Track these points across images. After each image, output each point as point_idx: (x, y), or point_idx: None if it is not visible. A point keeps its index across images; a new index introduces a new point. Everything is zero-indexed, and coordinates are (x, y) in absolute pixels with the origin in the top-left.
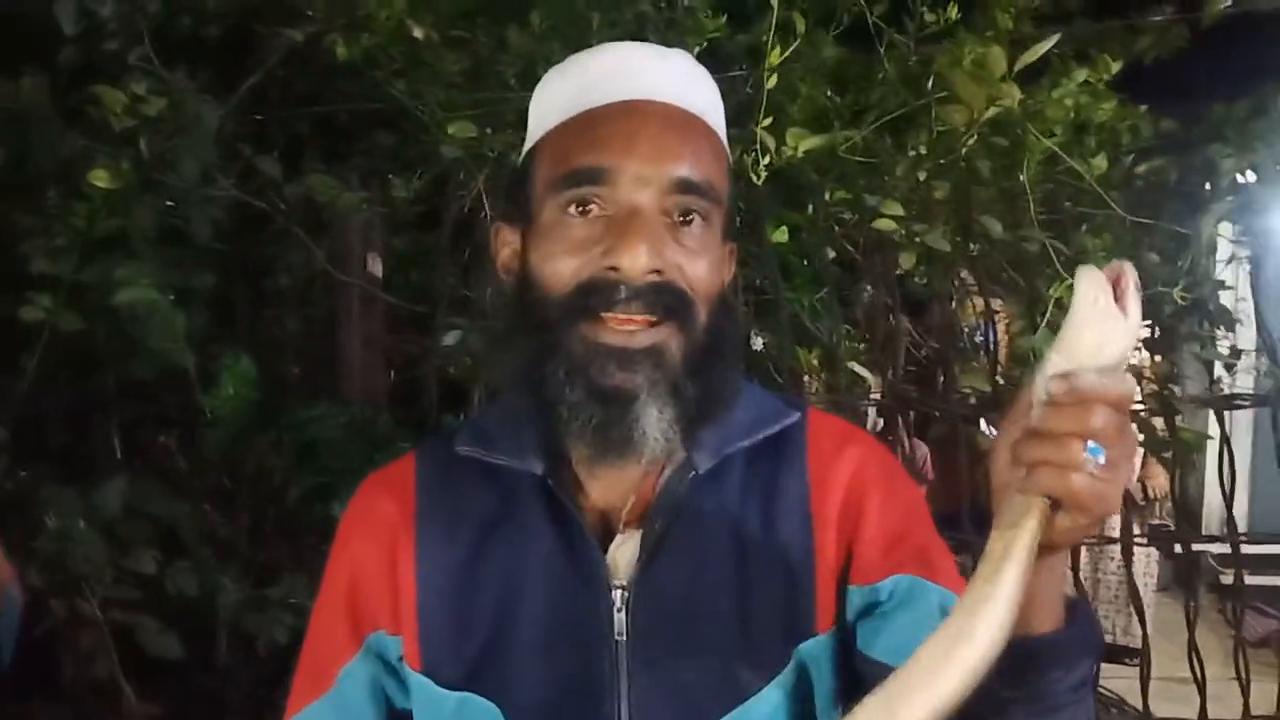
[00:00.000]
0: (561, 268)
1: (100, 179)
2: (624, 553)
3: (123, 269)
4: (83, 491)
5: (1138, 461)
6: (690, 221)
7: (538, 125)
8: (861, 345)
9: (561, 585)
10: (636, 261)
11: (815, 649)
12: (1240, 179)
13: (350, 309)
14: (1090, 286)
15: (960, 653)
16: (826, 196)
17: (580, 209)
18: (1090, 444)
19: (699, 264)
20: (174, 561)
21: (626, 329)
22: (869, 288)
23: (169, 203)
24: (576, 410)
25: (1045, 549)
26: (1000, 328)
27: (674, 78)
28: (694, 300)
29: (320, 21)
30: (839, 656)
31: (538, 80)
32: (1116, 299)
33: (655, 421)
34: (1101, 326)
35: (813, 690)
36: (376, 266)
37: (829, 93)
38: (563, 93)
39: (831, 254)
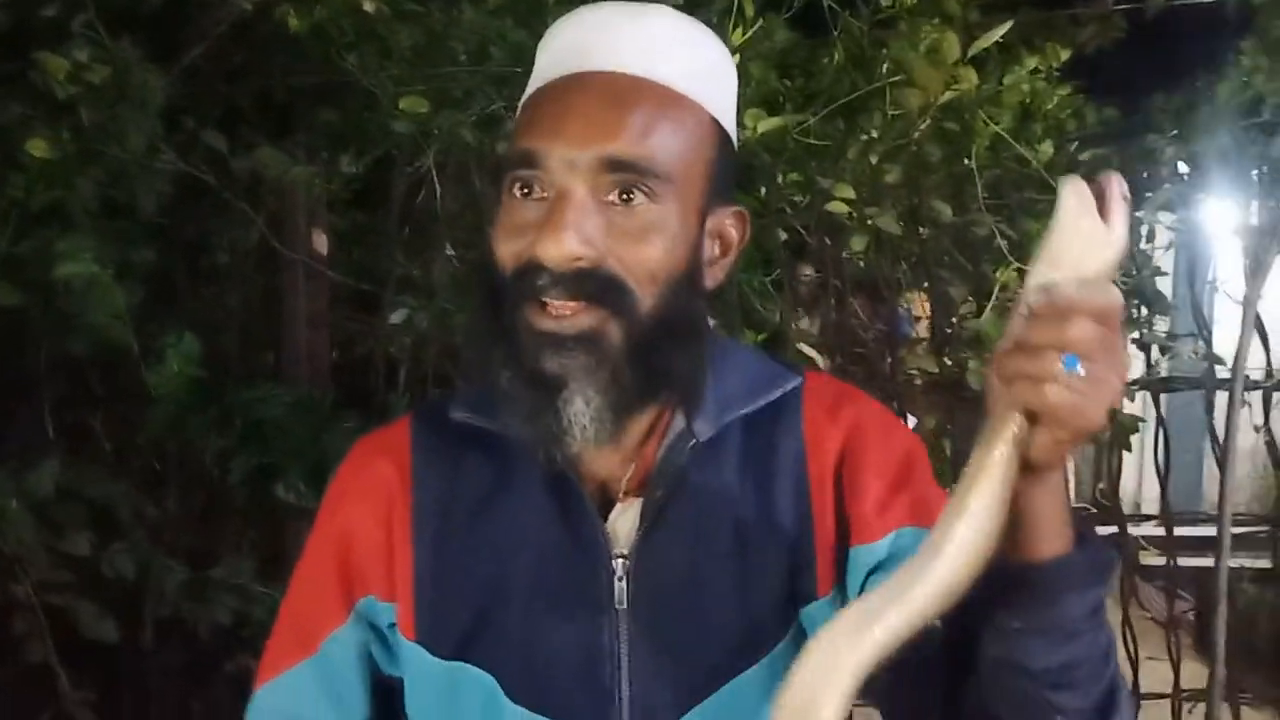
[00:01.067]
0: (504, 250)
1: (39, 149)
2: (624, 521)
3: (62, 242)
4: (14, 472)
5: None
6: (630, 200)
7: (525, 94)
8: (806, 326)
9: (561, 554)
10: (557, 250)
11: (816, 613)
12: (1179, 168)
13: (295, 286)
14: (1073, 196)
15: (933, 566)
16: (778, 179)
17: (524, 190)
18: (1067, 355)
19: (642, 247)
20: (110, 544)
21: (562, 314)
22: (817, 270)
23: (110, 175)
24: (508, 396)
25: (1031, 467)
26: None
27: (640, 42)
28: (627, 285)
29: None
30: None
31: (488, 57)
32: (1101, 210)
33: (582, 409)
34: (1084, 237)
35: None
36: (321, 243)
37: (780, 76)
38: (542, 62)
39: (783, 236)
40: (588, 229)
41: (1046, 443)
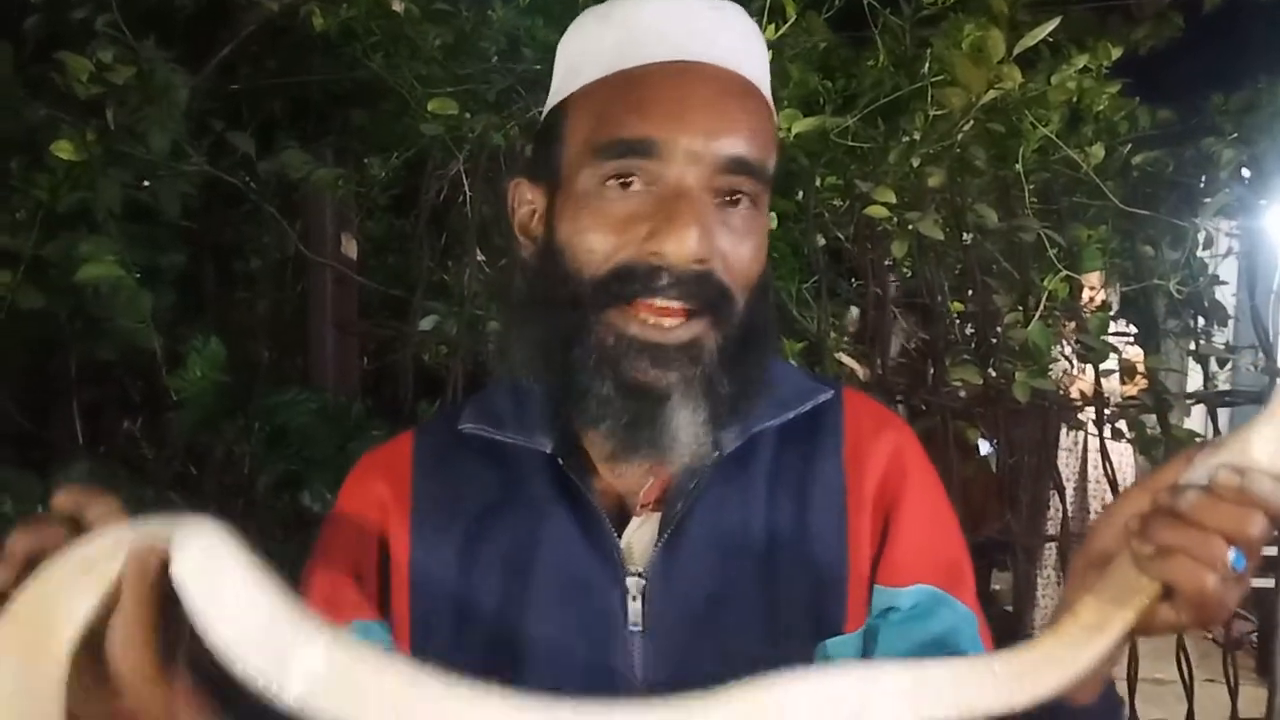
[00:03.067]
0: (597, 245)
1: (64, 150)
2: (640, 537)
3: (86, 244)
4: (43, 476)
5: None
6: (738, 203)
7: (571, 75)
8: (847, 337)
9: (572, 571)
10: (684, 248)
11: (841, 649)
12: (1239, 172)
13: (323, 292)
14: None
15: (1010, 699)
16: (817, 183)
17: (622, 181)
18: (1234, 549)
19: (744, 250)
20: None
21: (661, 321)
22: (857, 277)
23: (136, 177)
24: (605, 405)
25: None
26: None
27: (729, 36)
28: (734, 293)
29: None
30: (862, 659)
31: (520, 57)
32: None
33: (688, 423)
34: None
35: None
36: (350, 248)
37: (820, 77)
38: (603, 41)
39: (821, 241)
40: (707, 228)
41: (1168, 621)
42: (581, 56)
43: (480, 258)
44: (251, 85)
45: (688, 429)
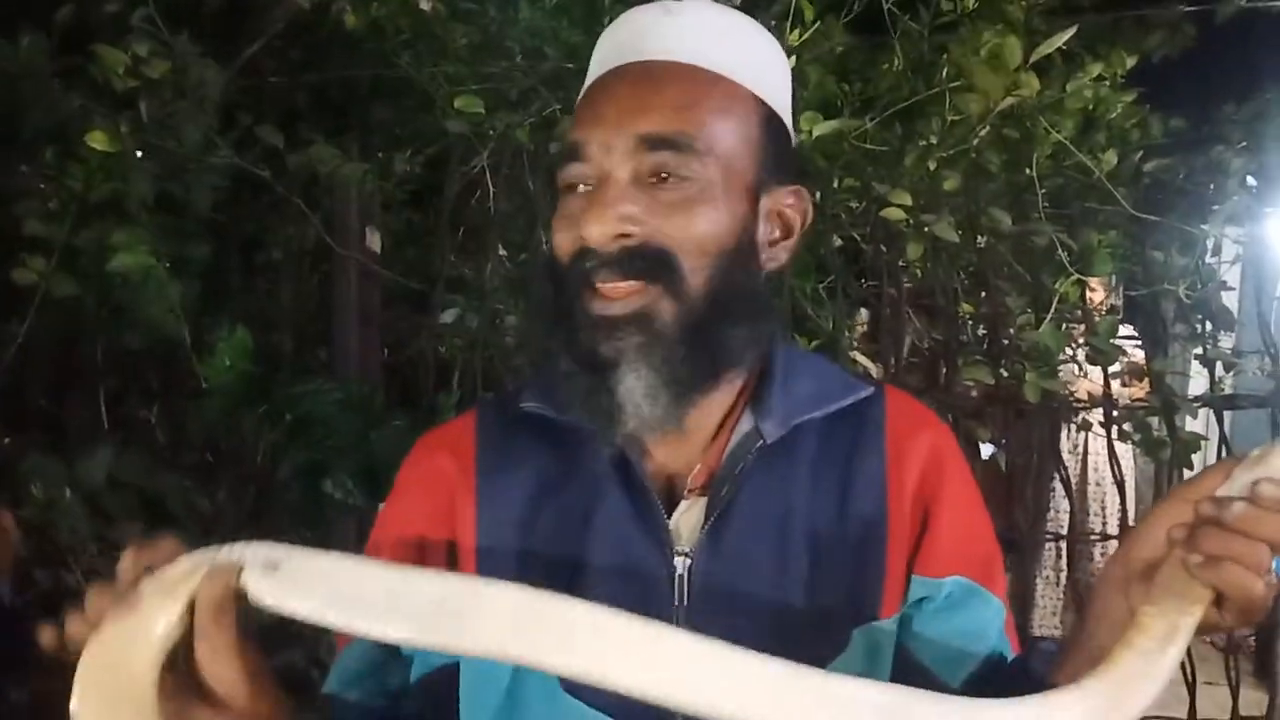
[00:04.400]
0: (560, 241)
1: (98, 141)
2: (688, 519)
3: (118, 234)
4: (68, 462)
5: None
6: (668, 178)
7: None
8: (858, 335)
9: (624, 548)
10: (600, 230)
11: (877, 635)
12: (1247, 180)
13: (347, 284)
14: None
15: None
16: (835, 184)
17: (570, 185)
18: (1276, 556)
19: (687, 219)
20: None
21: (613, 296)
22: (872, 278)
23: (167, 169)
24: (570, 379)
25: None
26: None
27: (677, 31)
28: (676, 258)
29: None
30: (897, 646)
31: (544, 57)
32: None
33: (634, 386)
34: None
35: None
36: (374, 242)
37: (838, 80)
38: (590, 69)
39: (838, 242)
40: (628, 206)
41: (1214, 622)
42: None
43: (501, 252)
44: (279, 80)
45: (636, 394)
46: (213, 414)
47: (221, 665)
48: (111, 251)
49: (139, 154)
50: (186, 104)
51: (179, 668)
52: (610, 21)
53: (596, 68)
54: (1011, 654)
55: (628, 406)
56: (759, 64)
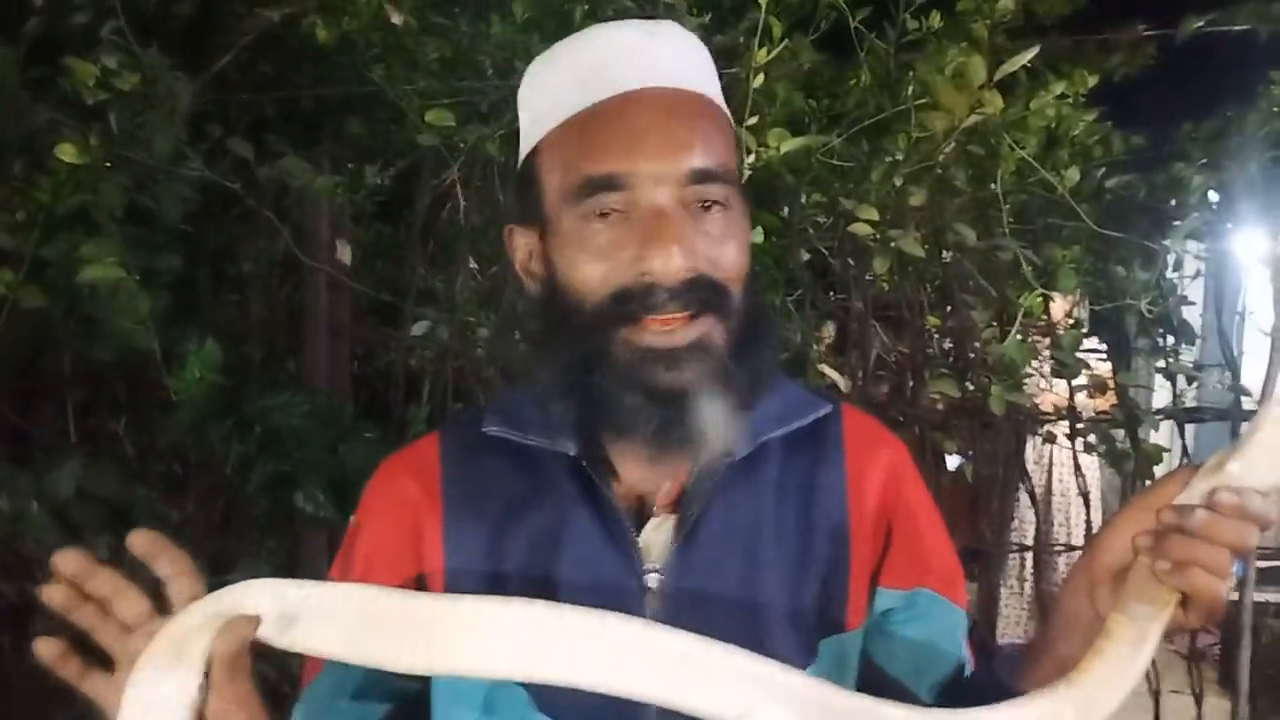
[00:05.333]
0: (591, 275)
1: (67, 153)
2: (658, 536)
3: (87, 246)
4: (35, 474)
5: None
6: (710, 208)
7: (534, 123)
8: (824, 348)
9: (594, 567)
10: (670, 265)
11: (844, 645)
12: (1207, 197)
13: (317, 296)
14: None
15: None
16: (802, 199)
17: (601, 214)
18: (1236, 560)
19: (728, 249)
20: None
21: (666, 329)
22: (839, 292)
23: (136, 181)
24: (636, 414)
25: None
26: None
27: (668, 56)
28: (728, 288)
29: (297, 2)
30: (863, 657)
31: (516, 71)
32: None
33: (712, 415)
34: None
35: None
36: (345, 254)
37: (805, 97)
38: (557, 87)
39: (805, 257)
40: (690, 240)
41: (1178, 623)
42: (541, 103)
43: (472, 265)
44: (248, 92)
45: (713, 421)
46: (182, 426)
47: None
48: (80, 263)
49: (108, 166)
50: (156, 116)
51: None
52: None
53: (579, 90)
54: (969, 662)
55: (707, 437)
56: (718, 83)
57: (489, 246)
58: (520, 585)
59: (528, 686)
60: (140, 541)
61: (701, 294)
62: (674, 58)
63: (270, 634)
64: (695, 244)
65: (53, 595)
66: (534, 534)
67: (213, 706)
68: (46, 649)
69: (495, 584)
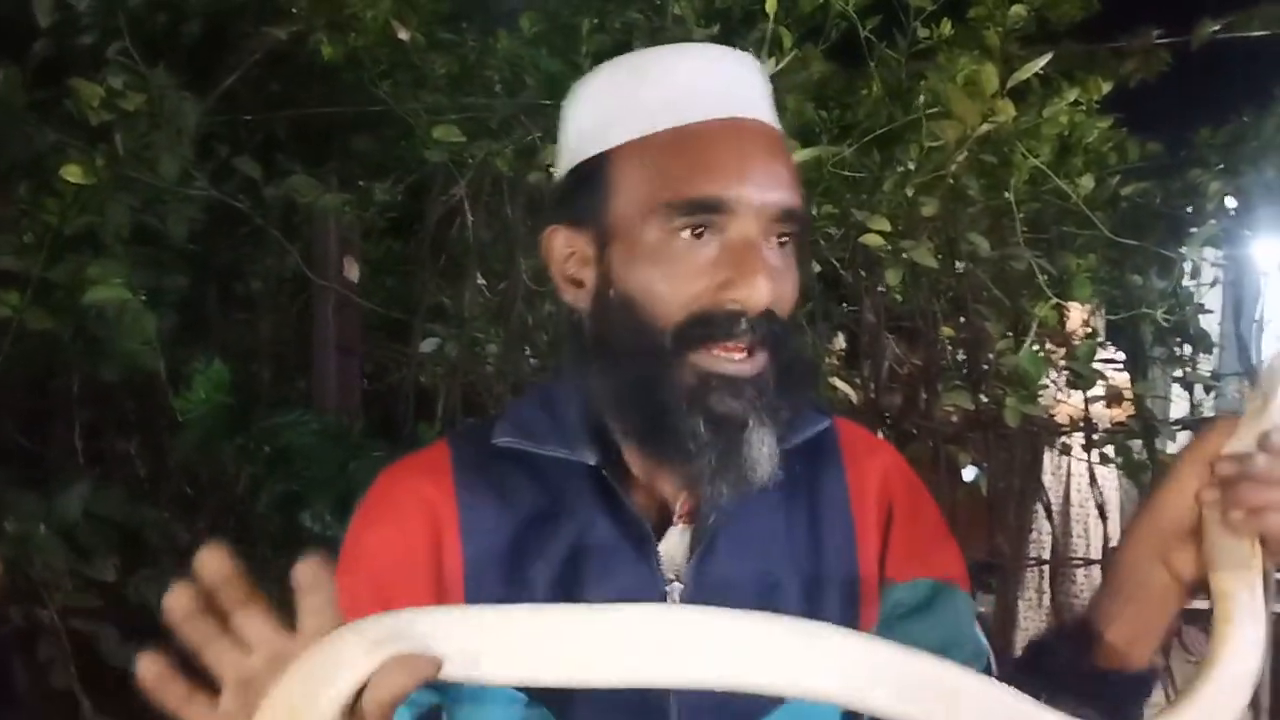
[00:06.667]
0: (674, 294)
1: (73, 174)
2: (678, 546)
3: (93, 267)
4: (43, 496)
5: None
6: (785, 245)
7: (607, 125)
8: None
9: (615, 577)
10: (758, 296)
11: None
12: (1224, 203)
13: (326, 314)
14: None
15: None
16: (814, 211)
17: (695, 233)
18: None
19: (789, 286)
20: (138, 570)
21: (736, 358)
22: (850, 304)
23: (143, 201)
24: (697, 439)
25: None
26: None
27: (755, 89)
28: (786, 324)
29: (303, 20)
30: None
31: (524, 86)
32: None
33: (764, 447)
34: None
35: None
36: (353, 272)
37: (816, 108)
38: (642, 96)
39: (817, 268)
40: (772, 275)
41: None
42: (617, 108)
43: (480, 281)
44: (256, 111)
45: (765, 453)
46: (189, 446)
47: None
48: (87, 284)
49: (116, 187)
50: (162, 136)
51: None
52: (589, 53)
53: (690, 106)
54: (987, 646)
55: (759, 466)
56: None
57: (498, 262)
58: (543, 595)
59: (552, 703)
60: (308, 571)
61: (771, 329)
62: (761, 93)
63: (456, 672)
64: (775, 279)
65: (177, 601)
66: (554, 543)
67: None
68: (150, 668)
69: (516, 593)
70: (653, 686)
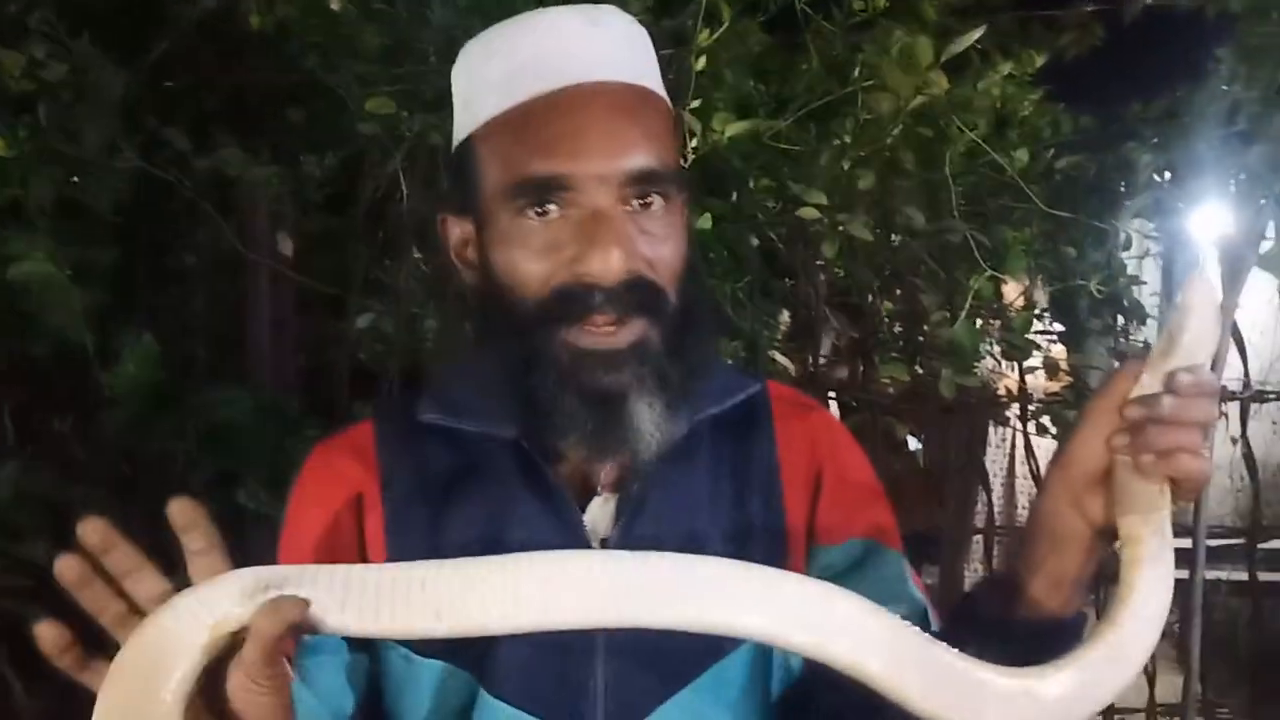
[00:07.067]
0: (529, 273)
1: None
2: (602, 515)
3: (17, 241)
4: None
5: None
6: (650, 205)
7: (469, 109)
8: (780, 336)
9: (540, 548)
10: (610, 268)
11: None
12: (1156, 177)
13: (259, 289)
14: (1211, 291)
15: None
16: (750, 184)
17: (539, 211)
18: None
19: (665, 248)
20: (69, 549)
21: (606, 330)
22: (790, 278)
23: (68, 174)
24: (571, 417)
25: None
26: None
27: (610, 46)
28: (664, 290)
29: None
30: None
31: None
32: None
33: (647, 417)
34: (1211, 326)
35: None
36: (287, 246)
37: (753, 81)
38: (493, 75)
39: (755, 242)
40: (631, 242)
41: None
42: (475, 88)
43: (417, 256)
44: (186, 82)
45: (648, 423)
46: (120, 423)
47: (258, 701)
48: (11, 259)
49: (39, 159)
50: (87, 107)
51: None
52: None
53: (517, 82)
54: (925, 601)
55: (644, 438)
56: (657, 69)
57: (435, 237)
58: None
59: (476, 670)
60: (183, 509)
61: (638, 297)
62: (615, 48)
63: (329, 617)
64: (635, 245)
65: (67, 568)
66: (478, 518)
67: (239, 685)
68: (49, 635)
69: None
70: (516, 633)
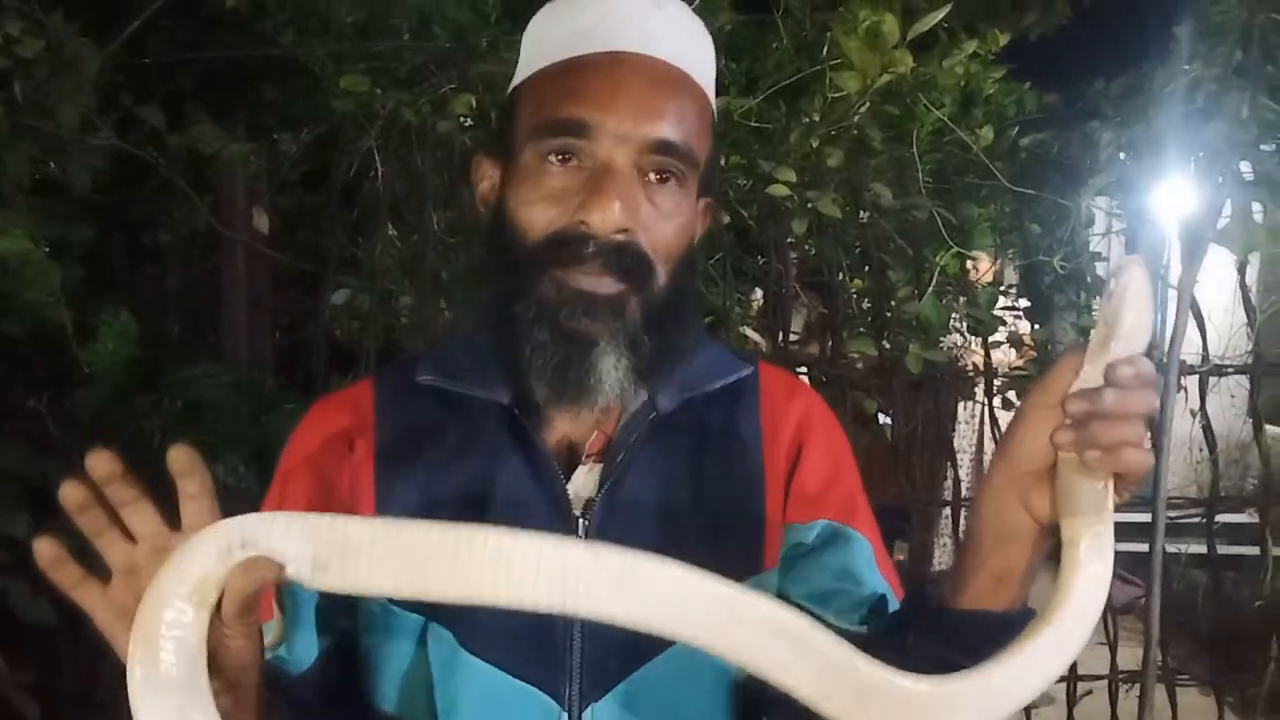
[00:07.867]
0: (536, 214)
1: None
2: (586, 484)
3: None
4: None
5: None
6: (666, 181)
7: (526, 63)
8: (752, 314)
9: (524, 511)
10: (607, 218)
11: (763, 584)
12: (1119, 154)
13: (235, 266)
14: (1144, 276)
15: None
16: (721, 162)
17: (561, 158)
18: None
19: (668, 226)
20: (47, 524)
21: (595, 274)
22: (762, 255)
23: (43, 151)
24: (540, 350)
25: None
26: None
27: (667, 29)
28: (654, 263)
29: None
30: (781, 595)
31: (431, 35)
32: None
33: (611, 369)
34: (1146, 314)
35: None
36: (263, 223)
37: (724, 59)
38: (553, 35)
39: (725, 219)
40: (633, 202)
41: (1116, 502)
42: (534, 47)
43: (392, 233)
44: (161, 59)
45: (611, 375)
46: (98, 400)
47: (234, 645)
48: None
49: (14, 136)
50: (62, 83)
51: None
52: (496, 1)
53: (576, 41)
54: (890, 589)
55: (604, 384)
56: (712, 73)
57: (409, 214)
58: None
59: (454, 626)
60: (181, 455)
61: (627, 261)
62: (672, 31)
63: (304, 575)
64: (638, 209)
65: (70, 492)
66: (465, 480)
67: (217, 639)
68: (45, 550)
69: None
70: (480, 604)
